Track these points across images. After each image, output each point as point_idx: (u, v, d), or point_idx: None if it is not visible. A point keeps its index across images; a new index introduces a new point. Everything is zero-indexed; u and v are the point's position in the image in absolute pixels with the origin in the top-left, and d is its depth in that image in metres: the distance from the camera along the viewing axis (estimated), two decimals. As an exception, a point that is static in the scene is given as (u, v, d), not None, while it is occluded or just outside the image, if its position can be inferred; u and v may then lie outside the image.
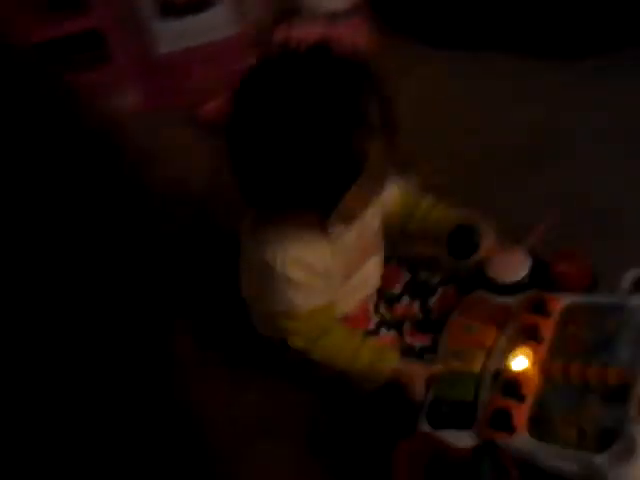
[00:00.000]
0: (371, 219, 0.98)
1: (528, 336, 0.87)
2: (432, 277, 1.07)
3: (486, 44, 1.58)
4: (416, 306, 1.05)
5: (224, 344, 1.11)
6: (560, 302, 0.90)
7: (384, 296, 1.06)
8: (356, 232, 0.95)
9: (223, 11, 1.68)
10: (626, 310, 0.85)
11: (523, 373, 0.84)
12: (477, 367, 0.89)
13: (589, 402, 0.79)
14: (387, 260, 1.09)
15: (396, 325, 1.02)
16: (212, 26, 1.67)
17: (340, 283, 0.97)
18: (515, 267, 0.95)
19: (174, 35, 1.67)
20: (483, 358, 0.90)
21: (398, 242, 1.07)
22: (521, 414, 0.81)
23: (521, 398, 0.82)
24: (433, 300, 1.04)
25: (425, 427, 0.86)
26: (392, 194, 1.03)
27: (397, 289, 1.07)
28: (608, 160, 1.24)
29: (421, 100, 1.30)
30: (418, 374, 0.90)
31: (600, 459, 0.73)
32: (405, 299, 1.06)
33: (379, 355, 0.93)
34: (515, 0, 1.55)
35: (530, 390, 0.82)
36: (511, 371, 0.85)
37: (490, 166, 1.27)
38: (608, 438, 0.75)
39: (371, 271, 1.04)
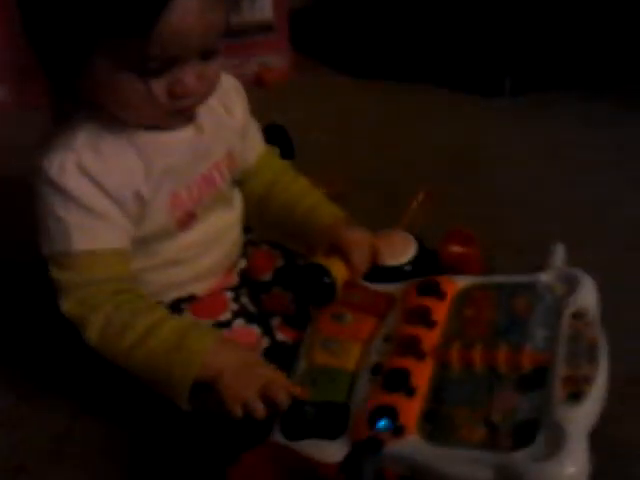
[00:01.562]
0: (211, 142, 0.75)
1: (417, 321, 0.68)
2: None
3: (406, 76, 1.61)
4: (289, 298, 0.80)
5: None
6: (455, 284, 0.72)
7: (249, 284, 0.82)
8: (184, 150, 0.72)
9: None
10: (538, 287, 0.68)
11: (411, 361, 0.63)
12: (351, 363, 0.67)
13: (499, 391, 0.59)
14: (256, 244, 0.87)
15: (260, 319, 0.77)
16: None
17: (168, 228, 0.73)
18: (396, 250, 0.77)
19: None
20: (358, 352, 0.68)
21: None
22: (410, 410, 0.59)
23: (410, 391, 0.60)
24: None
25: (278, 437, 0.62)
26: (255, 148, 0.84)
27: (267, 276, 0.83)
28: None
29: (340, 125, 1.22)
30: (252, 370, 0.64)
31: (520, 458, 0.53)
32: (276, 289, 0.81)
33: (191, 327, 0.66)
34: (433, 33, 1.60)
35: (421, 381, 0.62)
36: (395, 361, 0.64)
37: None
38: (527, 432, 0.55)
39: (221, 227, 0.79)
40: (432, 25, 1.61)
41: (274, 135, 0.97)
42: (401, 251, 0.77)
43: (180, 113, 0.68)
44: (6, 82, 1.52)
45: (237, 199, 0.83)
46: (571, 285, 0.67)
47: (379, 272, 0.76)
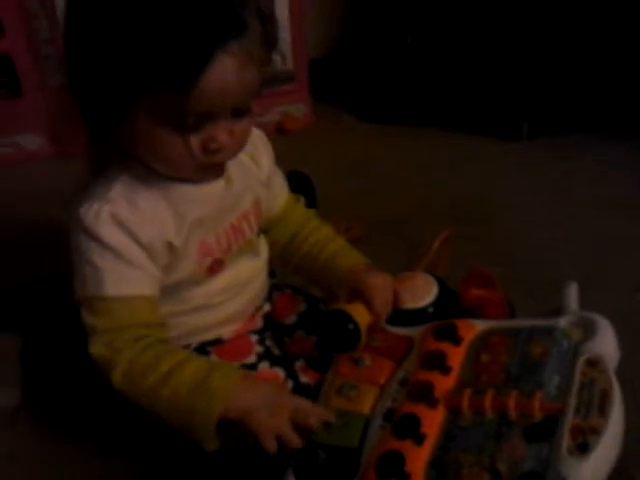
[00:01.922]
0: (240, 193, 0.78)
1: (432, 366, 0.68)
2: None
3: (424, 121, 1.62)
4: (312, 341, 0.82)
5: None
6: (473, 328, 0.71)
7: (273, 327, 0.84)
8: (215, 202, 0.75)
9: None
10: (557, 332, 0.67)
11: (422, 408, 0.64)
12: (366, 408, 0.68)
13: (507, 439, 0.59)
14: (280, 288, 0.89)
15: (284, 362, 0.79)
16: None
17: (196, 275, 0.75)
18: (417, 292, 0.78)
19: None
20: (374, 397, 0.69)
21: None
22: (418, 458, 0.60)
23: (419, 439, 0.61)
24: None
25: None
26: (280, 196, 0.86)
27: (290, 320, 0.85)
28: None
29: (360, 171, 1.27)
30: (280, 401, 0.65)
31: (522, 510, 0.52)
32: (299, 332, 0.83)
33: (213, 368, 0.67)
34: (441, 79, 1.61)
35: (432, 429, 0.62)
36: (406, 407, 0.65)
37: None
38: (531, 484, 0.54)
39: (248, 275, 0.82)
40: (450, 70, 1.63)
41: (297, 183, 0.98)
42: (423, 293, 0.77)
43: (212, 167, 0.71)
44: (43, 131, 1.58)
45: (263, 247, 0.86)
46: (589, 330, 0.66)
47: (402, 315, 0.76)
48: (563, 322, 0.68)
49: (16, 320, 1.02)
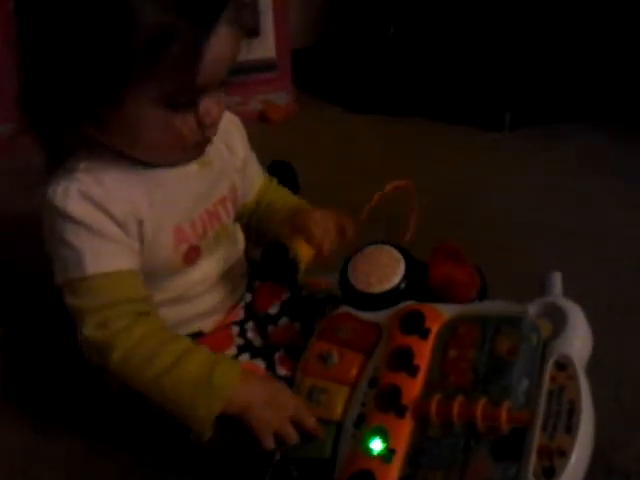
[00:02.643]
0: (217, 178, 0.76)
1: (399, 366, 0.65)
2: (317, 293, 0.85)
3: (406, 111, 1.62)
4: (297, 328, 0.81)
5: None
6: (440, 316, 0.68)
7: (255, 317, 0.83)
8: (188, 185, 0.73)
9: None
10: (524, 324, 0.63)
11: (390, 419, 0.62)
12: (337, 413, 0.67)
13: (475, 455, 0.58)
14: (262, 278, 0.87)
15: (265, 353, 0.78)
16: None
17: (173, 264, 0.74)
18: (383, 271, 0.74)
19: None
20: (344, 398, 0.68)
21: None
22: (388, 476, 0.59)
23: (388, 456, 0.60)
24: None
25: (268, 499, 0.64)
26: (257, 182, 0.86)
27: (274, 309, 0.83)
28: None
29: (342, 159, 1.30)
30: (280, 400, 0.66)
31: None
32: (284, 320, 0.82)
33: (215, 362, 0.67)
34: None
35: (400, 443, 0.61)
36: (375, 416, 0.64)
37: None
38: (498, 506, 0.54)
39: (226, 263, 0.80)
40: (433, 60, 1.60)
41: (280, 172, 0.97)
42: (389, 272, 0.73)
43: (201, 145, 0.69)
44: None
45: (240, 234, 0.84)
46: (559, 320, 0.62)
47: (371, 299, 0.73)
48: (532, 310, 0.64)
49: None
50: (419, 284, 0.73)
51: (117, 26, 0.56)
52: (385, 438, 0.61)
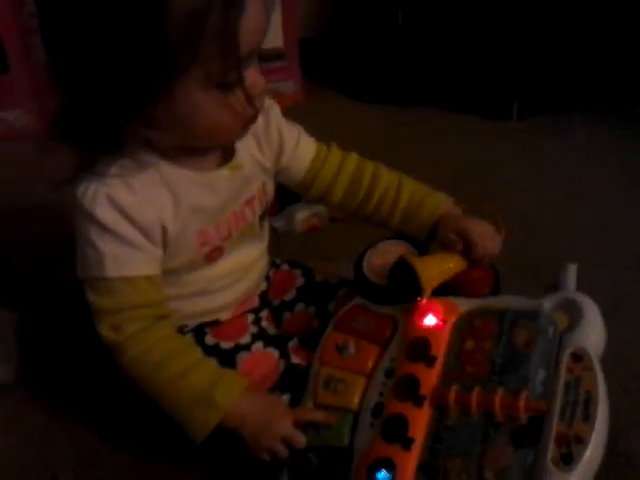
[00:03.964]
0: (248, 180, 0.75)
1: (416, 357, 0.67)
2: (330, 278, 0.86)
3: (414, 100, 1.62)
4: (311, 311, 0.83)
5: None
6: (456, 309, 0.70)
7: (270, 305, 0.84)
8: (218, 191, 0.72)
9: None
10: (541, 317, 0.65)
11: (409, 408, 0.64)
12: (354, 402, 0.68)
13: (493, 442, 0.59)
14: (276, 265, 0.87)
15: (278, 342, 0.79)
16: None
17: (194, 262, 0.74)
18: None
19: None
20: (361, 388, 0.69)
21: (280, 244, 0.87)
22: (407, 463, 0.61)
23: (407, 443, 0.62)
24: (333, 305, 0.82)
25: (286, 486, 0.65)
26: (306, 156, 0.81)
27: (289, 296, 0.85)
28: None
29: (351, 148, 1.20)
30: (273, 420, 0.68)
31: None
32: (300, 306, 0.84)
33: (219, 379, 0.69)
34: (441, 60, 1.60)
35: (419, 431, 0.62)
36: (393, 405, 0.65)
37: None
38: (516, 492, 0.56)
39: (249, 261, 0.80)
40: (441, 50, 1.60)
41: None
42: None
43: (252, 119, 0.68)
44: (30, 107, 1.53)
45: (266, 232, 0.84)
46: (574, 315, 0.64)
47: (381, 292, 0.74)
48: (548, 304, 0.66)
49: (11, 297, 1.01)
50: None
51: (152, 15, 0.56)
52: (404, 427, 0.63)
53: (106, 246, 0.67)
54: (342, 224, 1.02)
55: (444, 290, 0.73)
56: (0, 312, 0.98)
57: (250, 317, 0.82)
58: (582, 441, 0.55)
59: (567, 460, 0.55)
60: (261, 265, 0.84)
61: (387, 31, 1.66)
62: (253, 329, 0.80)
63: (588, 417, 0.57)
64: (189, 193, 0.70)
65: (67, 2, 0.59)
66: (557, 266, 0.70)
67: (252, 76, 0.63)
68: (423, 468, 0.61)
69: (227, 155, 0.73)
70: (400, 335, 0.71)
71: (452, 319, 0.69)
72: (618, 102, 1.56)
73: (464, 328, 0.68)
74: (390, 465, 0.61)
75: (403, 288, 0.71)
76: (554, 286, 0.69)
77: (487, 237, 0.74)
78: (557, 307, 0.66)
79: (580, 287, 0.66)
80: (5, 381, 0.90)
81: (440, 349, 0.67)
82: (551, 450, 0.56)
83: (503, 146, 1.44)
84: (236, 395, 0.68)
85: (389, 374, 0.68)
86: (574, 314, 0.64)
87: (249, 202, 0.77)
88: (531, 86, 1.57)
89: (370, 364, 0.70)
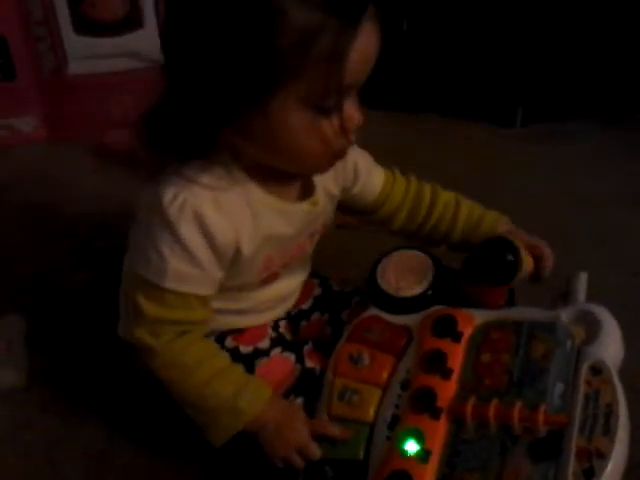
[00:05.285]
0: (318, 216, 0.76)
1: (432, 369, 0.67)
2: (346, 286, 0.87)
3: (417, 107, 1.62)
4: (325, 319, 0.84)
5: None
6: (472, 321, 0.70)
7: (289, 314, 0.85)
8: (295, 222, 0.72)
9: (150, 35, 1.40)
10: (558, 329, 0.65)
11: (425, 420, 0.63)
12: (369, 414, 0.68)
13: (512, 456, 0.59)
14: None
15: (295, 347, 0.79)
16: (134, 51, 1.41)
17: (251, 284, 0.75)
18: (413, 276, 0.75)
19: (87, 55, 1.43)
20: (377, 400, 0.69)
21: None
22: (424, 477, 0.60)
23: (424, 457, 0.61)
24: (346, 312, 0.83)
25: (301, 500, 0.65)
26: (377, 183, 0.83)
27: (307, 305, 0.86)
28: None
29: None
30: (291, 430, 0.68)
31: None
32: (316, 315, 0.85)
33: (245, 387, 0.70)
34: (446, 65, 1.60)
35: (436, 444, 0.62)
36: (410, 418, 0.65)
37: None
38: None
39: (294, 287, 0.83)
40: (445, 57, 1.60)
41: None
42: (419, 276, 0.74)
43: (340, 154, 0.68)
44: (37, 113, 1.53)
45: (310, 262, 0.85)
46: (591, 327, 0.64)
47: (399, 303, 0.74)
48: (564, 316, 0.66)
49: (19, 302, 1.02)
50: (449, 290, 0.74)
51: (265, 27, 0.56)
52: (420, 439, 0.62)
53: (173, 259, 0.65)
54: (348, 231, 1.02)
55: (458, 301, 0.72)
56: (8, 317, 0.99)
57: (270, 323, 0.83)
58: (603, 456, 0.55)
59: (589, 475, 0.55)
60: (302, 285, 0.85)
61: (391, 38, 1.66)
62: (272, 334, 0.81)
63: (609, 431, 0.56)
64: (269, 220, 0.69)
65: (190, 7, 0.60)
66: (562, 274, 0.70)
67: (350, 109, 0.63)
68: (442, 483, 0.60)
69: (307, 191, 0.73)
70: (415, 345, 0.70)
71: (469, 331, 0.69)
72: (622, 109, 1.56)
73: (480, 340, 0.68)
74: (407, 478, 0.60)
75: (497, 266, 0.70)
76: (564, 294, 0.69)
77: (549, 257, 0.77)
78: (573, 319, 0.66)
79: (589, 295, 0.66)
80: (16, 385, 0.91)
81: (456, 361, 0.67)
82: (572, 465, 0.56)
83: (507, 153, 1.44)
84: (260, 404, 0.69)
85: (404, 386, 0.68)
86: (591, 326, 0.64)
87: (312, 235, 0.78)
88: (536, 92, 1.57)
89: (385, 375, 0.70)
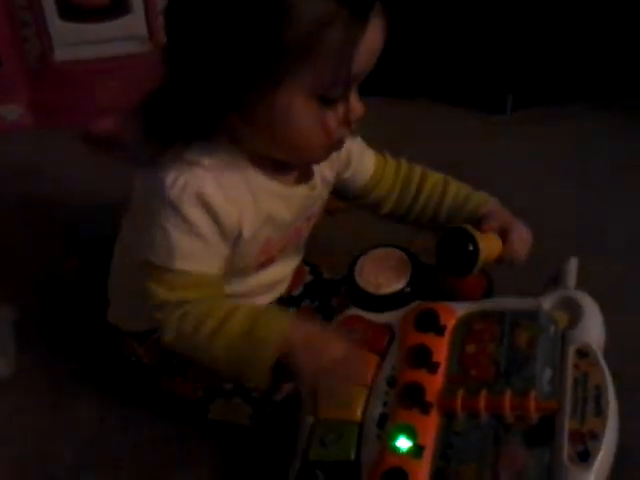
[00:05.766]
0: (316, 200, 0.76)
1: (418, 363, 0.66)
2: (336, 274, 0.87)
3: (408, 93, 1.58)
4: (315, 306, 0.85)
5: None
6: (454, 313, 0.69)
7: (280, 300, 0.84)
8: (295, 206, 0.73)
9: (138, 21, 1.37)
10: (541, 316, 0.65)
11: (416, 416, 0.63)
12: (357, 413, 0.66)
13: (506, 444, 0.59)
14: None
15: None
16: (122, 37, 1.39)
17: (248, 268, 0.75)
18: (391, 273, 0.74)
19: (74, 41, 1.38)
20: (363, 399, 0.68)
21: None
22: (419, 472, 0.59)
23: (418, 452, 0.61)
24: (335, 300, 0.84)
25: (294, 505, 0.63)
26: (368, 167, 0.83)
27: (297, 291, 0.87)
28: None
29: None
30: (321, 340, 0.65)
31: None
32: (306, 302, 0.86)
33: (260, 314, 0.67)
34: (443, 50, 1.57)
35: (428, 439, 0.61)
36: (400, 414, 0.64)
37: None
38: (537, 496, 0.55)
39: (288, 272, 0.83)
40: (435, 42, 1.57)
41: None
42: (397, 273, 0.74)
43: (338, 144, 0.69)
44: (23, 101, 1.47)
45: (304, 245, 0.84)
46: (574, 312, 0.65)
47: (378, 300, 0.73)
48: (547, 304, 0.66)
49: (8, 290, 0.99)
50: (427, 285, 0.74)
51: (277, 16, 0.56)
52: (412, 435, 0.61)
53: (180, 239, 0.66)
54: (337, 218, 0.99)
55: (437, 296, 0.72)
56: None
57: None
58: (597, 436, 0.56)
59: (584, 457, 0.55)
60: (295, 270, 0.85)
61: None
62: None
63: (600, 412, 0.57)
64: (269, 203, 0.70)
65: None
66: (554, 259, 0.70)
67: (353, 100, 0.65)
68: (436, 475, 0.59)
69: (305, 175, 0.74)
70: (398, 342, 0.70)
71: (452, 324, 0.69)
72: (613, 93, 1.55)
73: (464, 332, 0.68)
74: (402, 475, 0.59)
75: (456, 258, 0.70)
76: (554, 279, 0.70)
77: (523, 241, 0.75)
78: (556, 305, 0.66)
79: (580, 280, 0.67)
80: (4, 373, 0.89)
81: (441, 354, 0.66)
82: (566, 448, 0.56)
83: (497, 139, 1.43)
84: (287, 319, 0.67)
85: (391, 383, 0.67)
86: (574, 311, 0.65)
87: (309, 219, 0.78)
88: (526, 78, 1.55)
89: (370, 374, 0.69)
